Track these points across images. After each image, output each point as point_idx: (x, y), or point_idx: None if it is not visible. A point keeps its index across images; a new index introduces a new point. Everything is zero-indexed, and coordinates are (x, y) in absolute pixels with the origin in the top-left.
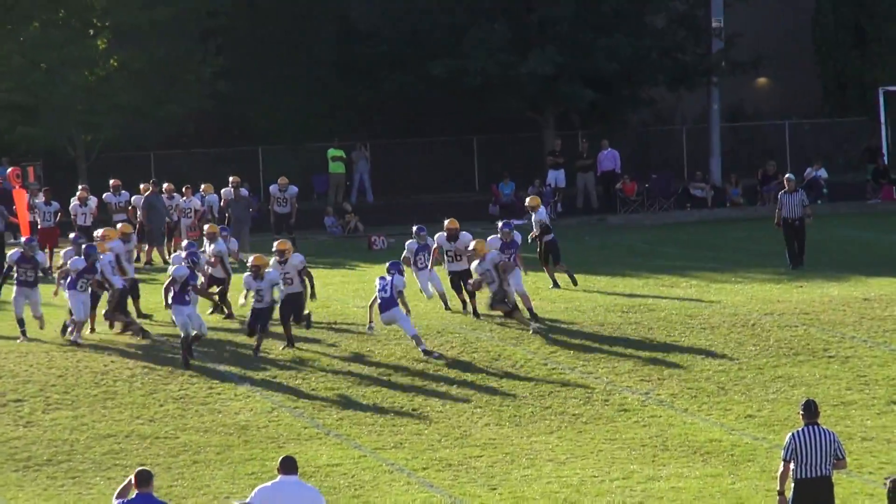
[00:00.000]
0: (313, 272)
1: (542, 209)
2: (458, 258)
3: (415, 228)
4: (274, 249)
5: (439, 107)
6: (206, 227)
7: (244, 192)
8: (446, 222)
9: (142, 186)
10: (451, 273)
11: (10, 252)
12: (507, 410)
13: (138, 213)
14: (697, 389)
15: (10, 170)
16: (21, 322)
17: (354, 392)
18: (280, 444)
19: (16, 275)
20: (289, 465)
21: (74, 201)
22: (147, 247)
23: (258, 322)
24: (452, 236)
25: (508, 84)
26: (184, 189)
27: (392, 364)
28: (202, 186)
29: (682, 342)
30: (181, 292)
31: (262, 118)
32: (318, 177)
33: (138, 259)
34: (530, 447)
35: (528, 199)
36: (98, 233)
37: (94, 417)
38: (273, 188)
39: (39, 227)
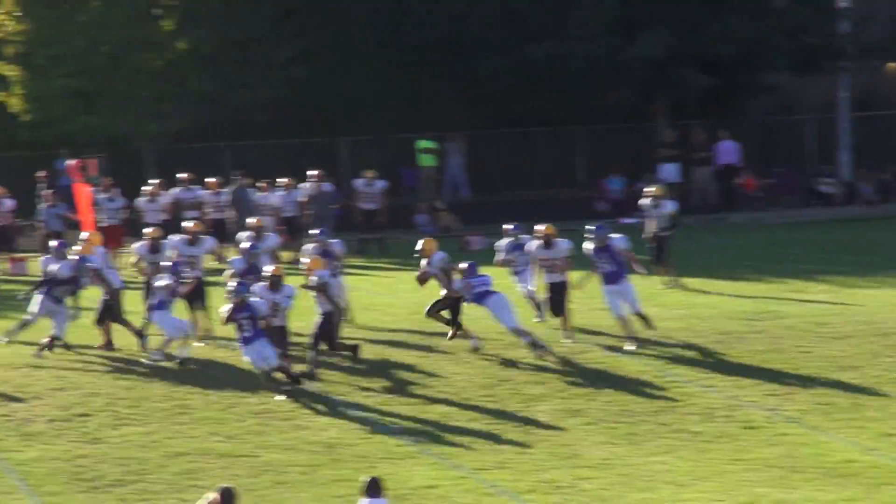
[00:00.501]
0: (401, 275)
1: (669, 201)
2: (554, 269)
3: (509, 227)
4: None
5: (539, 94)
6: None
7: (327, 187)
8: (541, 228)
9: (212, 181)
10: (549, 286)
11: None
12: (620, 428)
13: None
14: (829, 405)
15: (70, 163)
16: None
17: (452, 407)
18: (371, 463)
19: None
20: (374, 488)
21: (142, 197)
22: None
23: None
24: (548, 244)
25: (615, 69)
26: (259, 184)
27: (492, 377)
28: (282, 181)
29: (813, 352)
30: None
31: (345, 106)
32: (407, 170)
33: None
34: (646, 468)
35: (653, 189)
36: (83, 235)
37: (167, 434)
38: (359, 183)
39: (103, 225)
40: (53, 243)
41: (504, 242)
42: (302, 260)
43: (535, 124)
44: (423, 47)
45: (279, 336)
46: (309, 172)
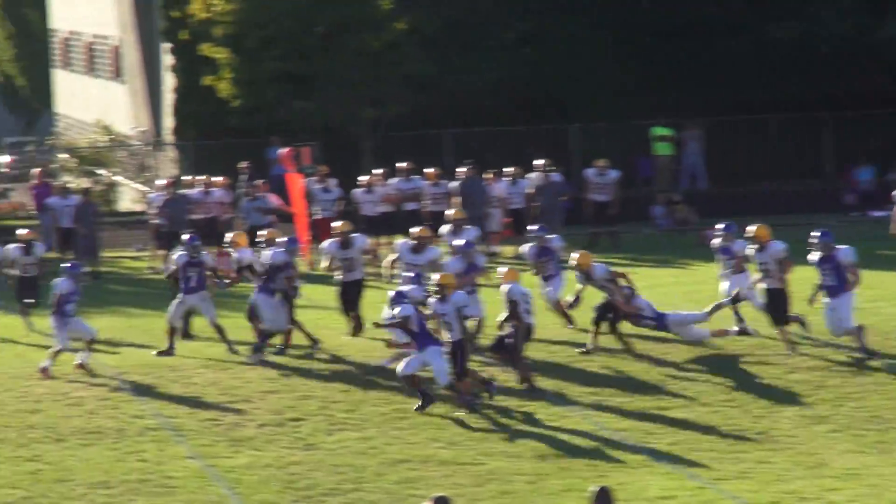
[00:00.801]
0: (636, 270)
1: None
2: (768, 274)
3: (720, 227)
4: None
5: (782, 78)
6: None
7: (555, 177)
8: (752, 228)
9: (431, 171)
10: (767, 291)
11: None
12: (869, 435)
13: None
14: None
15: (282, 151)
16: (172, 331)
17: (689, 412)
18: (601, 472)
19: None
20: (605, 499)
21: (358, 188)
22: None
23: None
24: (761, 246)
25: (865, 51)
26: (486, 175)
27: (728, 379)
28: (508, 171)
29: None
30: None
31: (575, 91)
32: (641, 159)
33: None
34: None
35: None
36: (229, 237)
37: (385, 440)
38: (589, 172)
39: (317, 217)
40: (264, 233)
41: (716, 243)
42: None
43: (776, 110)
44: (659, 28)
45: (458, 350)
46: (536, 162)
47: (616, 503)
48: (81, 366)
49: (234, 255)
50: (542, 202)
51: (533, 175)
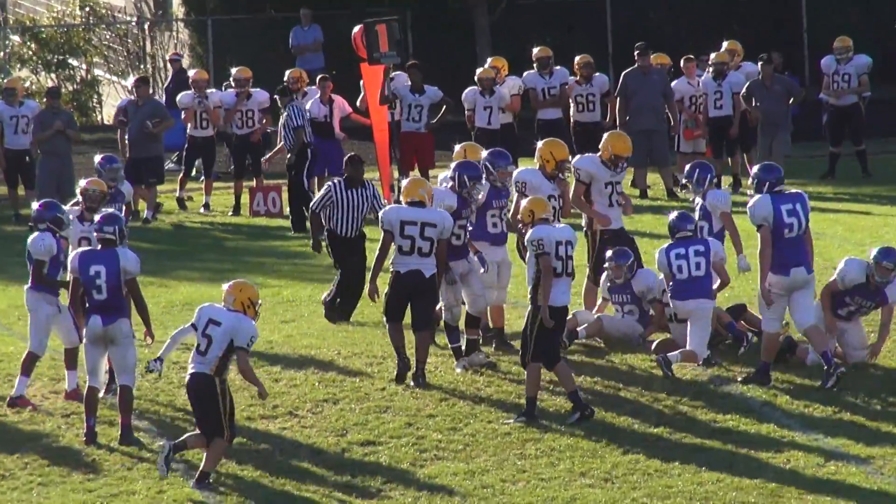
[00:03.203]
0: None
1: None
2: None
3: None
4: None
5: None
6: None
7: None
8: None
9: (580, 60)
10: None
11: None
12: None
13: None
14: None
15: (356, 30)
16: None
17: None
18: None
19: None
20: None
21: (470, 88)
22: None
23: None
24: None
25: None
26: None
27: None
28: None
29: None
30: None
31: None
32: None
33: None
34: None
35: None
36: None
37: (504, 473)
38: (827, 61)
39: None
40: None
41: None
42: None
43: None
44: None
45: None
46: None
47: None
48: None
49: None
50: (763, 108)
51: (745, 67)
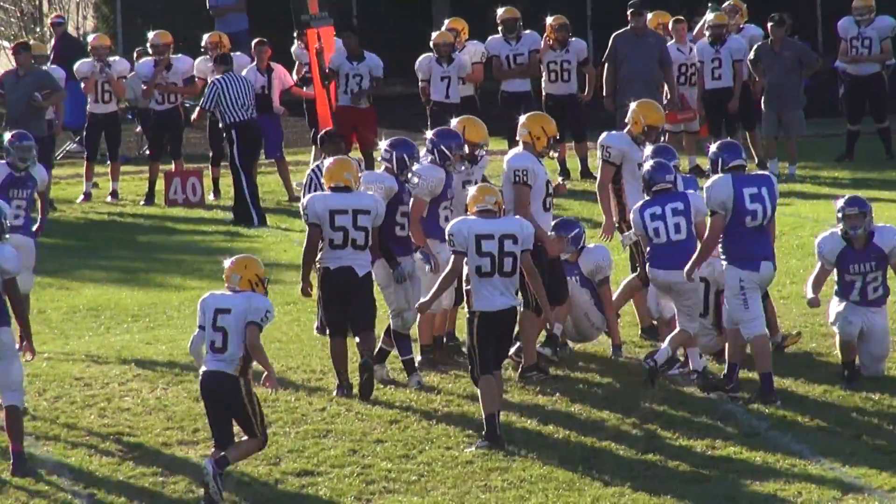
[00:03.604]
0: None
1: None
2: None
3: None
4: None
5: None
6: None
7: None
8: None
9: (552, 21)
10: None
11: None
12: None
13: None
14: None
15: None
16: None
17: None
18: None
19: None
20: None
21: (425, 55)
22: None
23: None
24: None
25: None
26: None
27: None
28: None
29: None
30: None
31: None
32: None
33: None
34: None
35: None
36: None
37: None
38: (844, 24)
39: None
40: None
41: None
42: None
43: None
44: None
45: None
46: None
47: None
48: None
49: None
50: (770, 78)
51: (747, 31)
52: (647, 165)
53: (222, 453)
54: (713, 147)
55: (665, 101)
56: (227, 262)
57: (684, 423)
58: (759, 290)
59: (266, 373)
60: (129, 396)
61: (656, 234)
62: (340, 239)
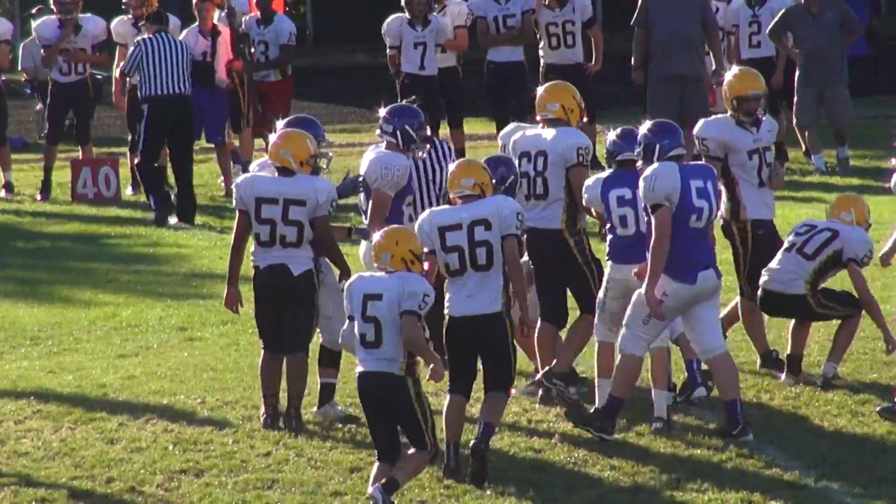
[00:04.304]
0: None
1: None
2: None
3: None
4: None
5: None
6: None
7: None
8: None
9: None
10: None
11: None
12: None
13: None
14: None
15: None
16: None
17: None
18: None
19: None
20: None
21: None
22: None
23: None
24: None
25: None
26: None
27: None
28: None
29: None
30: None
31: None
32: None
33: None
34: None
35: None
36: None
37: None
38: None
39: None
40: None
41: None
42: None
43: None
44: None
45: None
46: None
47: None
48: None
49: None
50: (809, 46)
51: None
52: (612, 134)
53: (390, 475)
54: (643, 129)
55: (711, 72)
56: (375, 238)
57: (712, 470)
58: (685, 308)
59: (432, 364)
60: (27, 438)
61: (622, 224)
62: (267, 234)
